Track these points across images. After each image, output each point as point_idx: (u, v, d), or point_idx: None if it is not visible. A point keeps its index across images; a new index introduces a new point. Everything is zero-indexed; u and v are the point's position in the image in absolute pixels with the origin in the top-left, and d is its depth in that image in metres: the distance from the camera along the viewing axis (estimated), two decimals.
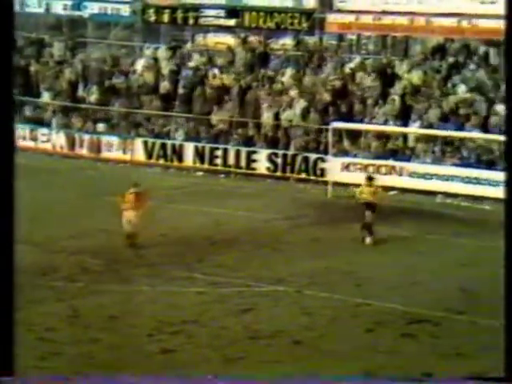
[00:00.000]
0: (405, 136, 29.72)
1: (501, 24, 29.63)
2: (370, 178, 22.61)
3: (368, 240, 21.52)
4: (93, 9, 36.94)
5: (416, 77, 30.93)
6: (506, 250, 9.37)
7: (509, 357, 9.28)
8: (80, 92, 35.57)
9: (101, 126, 34.22)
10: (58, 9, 37.47)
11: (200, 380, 12.74)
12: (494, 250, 22.01)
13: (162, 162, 32.39)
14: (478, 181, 27.47)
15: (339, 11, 32.53)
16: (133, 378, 13.07)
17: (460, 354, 15.15)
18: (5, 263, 9.07)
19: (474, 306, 17.64)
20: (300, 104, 31.51)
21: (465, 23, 30.41)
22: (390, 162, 28.80)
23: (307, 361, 14.75)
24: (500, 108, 28.95)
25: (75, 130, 34.22)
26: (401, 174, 28.39)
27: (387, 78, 31.37)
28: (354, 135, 30.08)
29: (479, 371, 14.28)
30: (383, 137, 29.84)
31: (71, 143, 34.10)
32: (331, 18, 32.64)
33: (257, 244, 22.18)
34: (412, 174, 28.29)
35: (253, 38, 35.02)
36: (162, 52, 35.75)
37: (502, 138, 27.80)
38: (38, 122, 34.97)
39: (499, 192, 26.92)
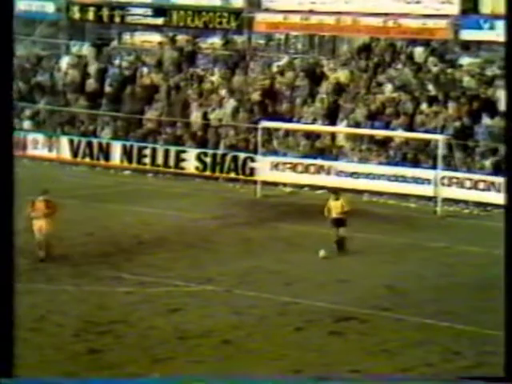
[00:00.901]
0: (333, 135, 29.92)
1: (426, 23, 30.42)
2: (335, 193, 22.27)
3: (322, 253, 21.22)
4: (18, 6, 36.35)
5: (343, 76, 31.17)
6: (506, 252, 9.49)
7: (509, 357, 9.41)
8: None
9: (27, 124, 33.73)
10: None
11: None
12: (420, 248, 22.42)
13: (88, 160, 32.05)
14: (403, 179, 27.80)
15: (267, 10, 32.62)
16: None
17: (386, 350, 15.30)
18: (4, 265, 8.86)
19: (400, 303, 17.84)
20: (230, 103, 31.49)
21: (390, 23, 30.75)
22: (319, 161, 28.98)
23: (236, 360, 14.75)
24: (424, 107, 29.35)
25: None
26: (329, 173, 28.58)
27: (315, 77, 31.54)
28: (283, 134, 30.18)
29: (404, 367, 14.47)
30: (311, 136, 30.01)
31: None
32: (259, 17, 32.70)
33: (186, 244, 22.10)
34: (339, 173, 28.49)
35: (181, 37, 34.87)
36: (88, 50, 35.37)
37: (426, 136, 28.26)
38: None
39: (424, 189, 27.41)
